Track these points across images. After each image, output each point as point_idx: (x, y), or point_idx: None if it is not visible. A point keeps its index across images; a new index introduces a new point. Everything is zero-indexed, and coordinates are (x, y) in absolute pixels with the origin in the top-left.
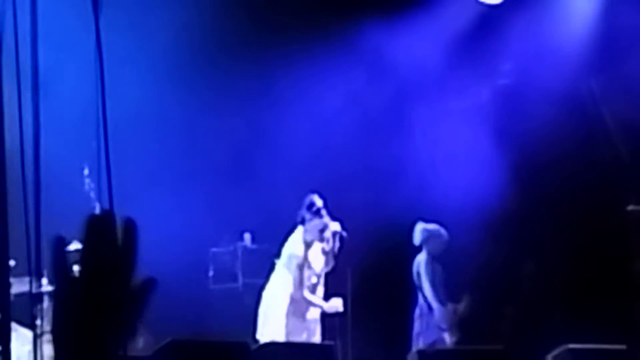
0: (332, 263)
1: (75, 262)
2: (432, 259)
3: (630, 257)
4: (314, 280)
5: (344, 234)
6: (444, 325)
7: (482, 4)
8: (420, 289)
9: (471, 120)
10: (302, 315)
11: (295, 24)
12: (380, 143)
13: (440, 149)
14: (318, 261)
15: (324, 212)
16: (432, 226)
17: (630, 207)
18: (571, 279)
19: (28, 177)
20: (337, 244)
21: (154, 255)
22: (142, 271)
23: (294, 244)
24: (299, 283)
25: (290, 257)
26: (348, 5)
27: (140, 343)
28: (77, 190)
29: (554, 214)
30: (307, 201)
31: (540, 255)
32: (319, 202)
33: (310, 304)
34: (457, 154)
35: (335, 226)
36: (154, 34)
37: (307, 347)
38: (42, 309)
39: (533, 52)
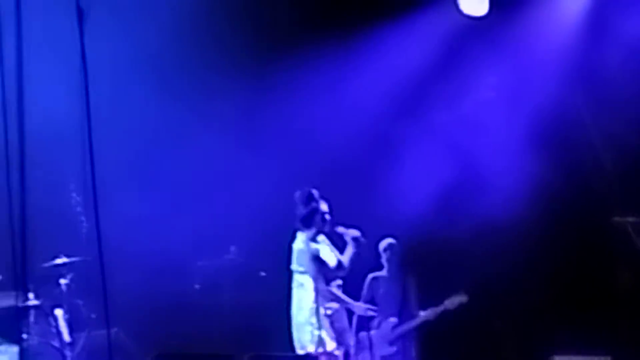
0: (345, 265)
1: (61, 275)
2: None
3: (614, 268)
4: (330, 277)
5: (362, 239)
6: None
7: (467, 16)
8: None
9: (456, 133)
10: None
11: (283, 32)
12: (367, 154)
13: (426, 162)
14: (330, 256)
15: (322, 202)
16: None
17: (615, 219)
18: (557, 290)
19: (14, 189)
20: (354, 249)
21: (141, 269)
22: (129, 286)
23: (300, 243)
24: (317, 274)
25: (300, 254)
26: (336, 16)
27: (127, 356)
28: (63, 204)
29: (539, 225)
30: (313, 193)
31: (525, 266)
32: (315, 194)
33: (337, 298)
34: (442, 166)
35: (354, 232)
36: (142, 38)
37: (294, 358)
38: (28, 323)
39: (518, 65)
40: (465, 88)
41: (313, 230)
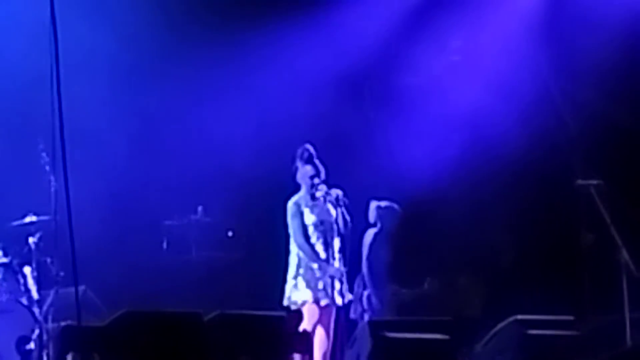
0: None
1: (30, 234)
2: (385, 237)
3: (578, 231)
4: (320, 228)
5: (344, 199)
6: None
7: None
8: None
9: (423, 96)
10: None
11: None
12: (333, 118)
13: (394, 125)
14: (309, 215)
15: (316, 161)
16: (384, 203)
17: (578, 182)
18: (520, 251)
19: None
20: (335, 210)
21: (109, 228)
22: (96, 245)
23: (293, 199)
24: (296, 230)
25: (288, 210)
26: None
27: (95, 314)
28: (32, 163)
29: (504, 189)
30: (299, 151)
31: (489, 229)
32: (312, 150)
33: (312, 257)
34: (410, 130)
35: (336, 192)
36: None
37: (260, 317)
38: None
39: (484, 28)
40: (430, 52)
41: (304, 188)
